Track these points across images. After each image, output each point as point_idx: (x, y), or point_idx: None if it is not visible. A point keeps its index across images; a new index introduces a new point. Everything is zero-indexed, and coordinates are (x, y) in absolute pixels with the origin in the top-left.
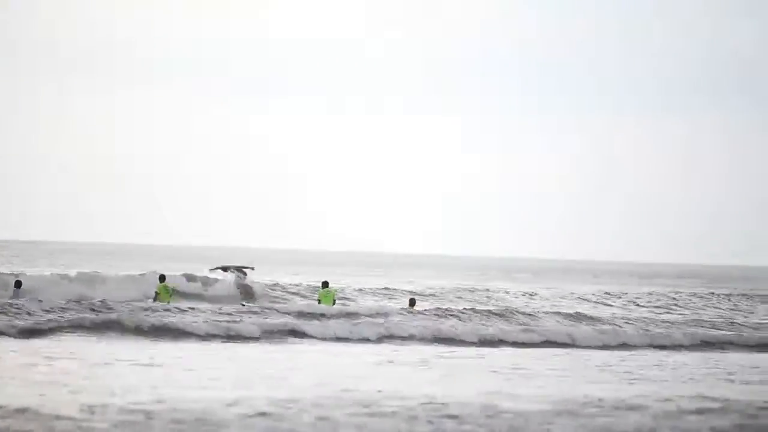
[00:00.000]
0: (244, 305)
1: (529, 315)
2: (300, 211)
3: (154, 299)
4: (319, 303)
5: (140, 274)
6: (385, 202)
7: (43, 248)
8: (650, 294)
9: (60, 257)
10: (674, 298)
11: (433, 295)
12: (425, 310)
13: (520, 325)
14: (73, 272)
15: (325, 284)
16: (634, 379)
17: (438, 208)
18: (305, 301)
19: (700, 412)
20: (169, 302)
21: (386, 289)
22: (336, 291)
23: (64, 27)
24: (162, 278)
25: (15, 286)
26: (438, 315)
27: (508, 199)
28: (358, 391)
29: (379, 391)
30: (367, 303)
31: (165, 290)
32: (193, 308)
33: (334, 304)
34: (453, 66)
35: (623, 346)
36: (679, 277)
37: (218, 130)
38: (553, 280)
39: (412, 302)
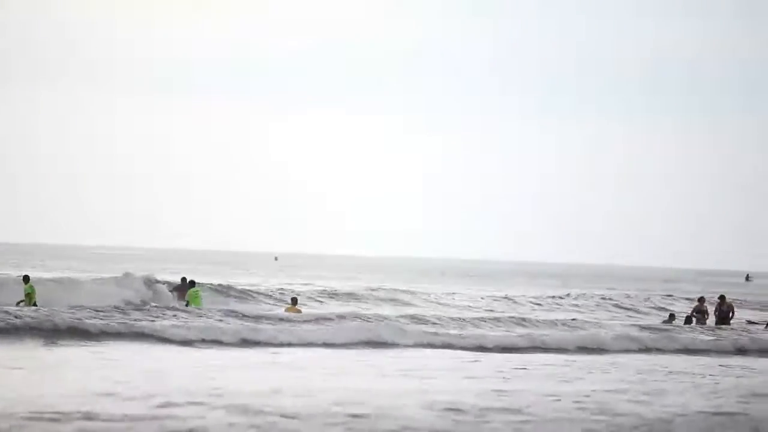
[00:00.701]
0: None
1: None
2: (301, 212)
3: (27, 302)
4: (187, 305)
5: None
6: (384, 204)
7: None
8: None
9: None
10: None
11: (333, 296)
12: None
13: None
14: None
15: (192, 284)
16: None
17: (438, 208)
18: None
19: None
20: (35, 303)
21: (281, 290)
22: (201, 290)
23: (64, 29)
24: (26, 279)
25: None
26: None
27: (508, 200)
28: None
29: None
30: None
31: (33, 290)
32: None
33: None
34: (453, 65)
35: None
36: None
37: (218, 132)
38: (513, 284)
39: (294, 301)
